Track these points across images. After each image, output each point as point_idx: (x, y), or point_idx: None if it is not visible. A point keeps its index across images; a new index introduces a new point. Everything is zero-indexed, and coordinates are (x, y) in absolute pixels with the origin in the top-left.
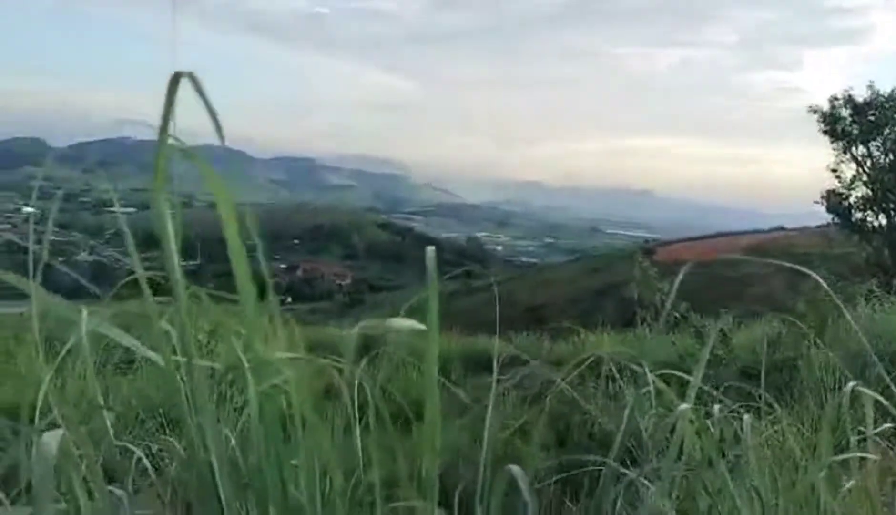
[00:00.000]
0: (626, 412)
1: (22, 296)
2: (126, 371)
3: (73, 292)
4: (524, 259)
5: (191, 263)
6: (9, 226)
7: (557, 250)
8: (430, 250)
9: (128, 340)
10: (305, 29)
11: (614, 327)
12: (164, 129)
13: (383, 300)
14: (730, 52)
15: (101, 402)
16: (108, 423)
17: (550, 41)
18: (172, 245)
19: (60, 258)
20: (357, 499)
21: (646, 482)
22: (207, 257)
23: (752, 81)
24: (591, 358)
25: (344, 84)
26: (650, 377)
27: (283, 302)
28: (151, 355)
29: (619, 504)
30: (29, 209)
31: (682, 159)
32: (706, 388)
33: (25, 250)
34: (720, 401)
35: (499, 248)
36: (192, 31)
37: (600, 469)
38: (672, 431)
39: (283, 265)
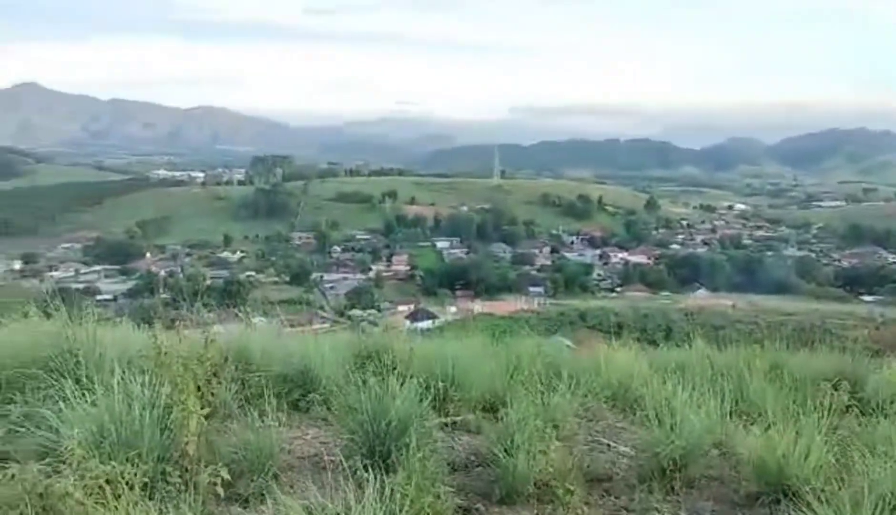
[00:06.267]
0: None
1: (731, 288)
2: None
3: (780, 286)
4: None
5: None
6: (722, 222)
7: None
8: None
9: None
10: None
11: None
12: None
13: None
14: None
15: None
16: None
17: None
18: None
19: (769, 253)
20: None
21: None
22: None
23: None
24: None
25: None
26: None
27: None
28: None
29: None
30: (741, 206)
31: None
32: None
33: (738, 246)
34: None
35: None
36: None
37: None
38: None
39: None
